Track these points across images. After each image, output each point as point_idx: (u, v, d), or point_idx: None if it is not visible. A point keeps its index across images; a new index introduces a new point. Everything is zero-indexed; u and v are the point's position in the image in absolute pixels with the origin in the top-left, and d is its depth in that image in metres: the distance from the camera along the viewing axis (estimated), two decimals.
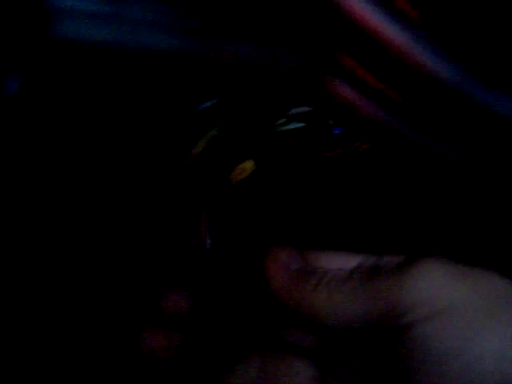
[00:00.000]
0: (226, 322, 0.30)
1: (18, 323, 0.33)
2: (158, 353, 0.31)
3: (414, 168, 0.32)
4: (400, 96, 0.30)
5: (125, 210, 0.34)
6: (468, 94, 0.30)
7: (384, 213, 0.34)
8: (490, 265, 0.26)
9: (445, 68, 0.30)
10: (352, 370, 0.28)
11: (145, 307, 0.32)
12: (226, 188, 0.33)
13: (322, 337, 0.30)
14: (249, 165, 0.33)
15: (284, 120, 0.33)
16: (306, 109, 0.33)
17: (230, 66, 0.30)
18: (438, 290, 0.24)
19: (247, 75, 0.30)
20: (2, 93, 0.28)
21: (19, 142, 0.33)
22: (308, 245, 0.32)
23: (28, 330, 0.33)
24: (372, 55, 0.30)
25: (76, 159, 0.34)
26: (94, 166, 0.34)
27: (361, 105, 0.30)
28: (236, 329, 0.31)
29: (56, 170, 0.34)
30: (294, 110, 0.33)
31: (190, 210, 0.33)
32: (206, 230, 0.32)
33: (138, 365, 0.33)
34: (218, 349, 0.30)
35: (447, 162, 0.31)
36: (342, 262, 0.30)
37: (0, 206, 0.34)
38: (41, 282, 0.33)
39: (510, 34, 0.30)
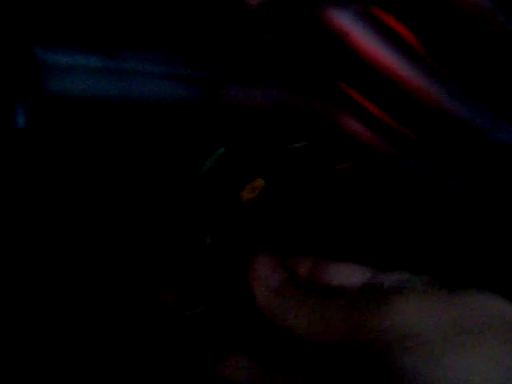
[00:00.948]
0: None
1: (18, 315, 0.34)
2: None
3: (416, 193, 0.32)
4: (404, 126, 0.30)
5: (127, 215, 0.33)
6: (477, 126, 0.29)
7: (389, 226, 0.35)
8: (491, 285, 0.28)
9: (453, 101, 0.29)
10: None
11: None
12: (235, 206, 0.32)
13: (303, 352, 0.30)
14: (259, 183, 0.32)
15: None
16: None
17: (239, 111, 0.28)
18: (410, 317, 0.26)
19: (258, 120, 0.29)
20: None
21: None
22: (320, 256, 0.33)
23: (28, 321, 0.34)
24: (377, 87, 0.28)
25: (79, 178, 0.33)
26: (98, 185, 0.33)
27: (366, 138, 0.30)
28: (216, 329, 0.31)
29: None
30: None
31: (194, 220, 0.33)
32: (208, 232, 0.33)
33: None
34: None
35: (451, 192, 0.31)
36: (347, 274, 0.31)
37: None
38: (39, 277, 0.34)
39: None
